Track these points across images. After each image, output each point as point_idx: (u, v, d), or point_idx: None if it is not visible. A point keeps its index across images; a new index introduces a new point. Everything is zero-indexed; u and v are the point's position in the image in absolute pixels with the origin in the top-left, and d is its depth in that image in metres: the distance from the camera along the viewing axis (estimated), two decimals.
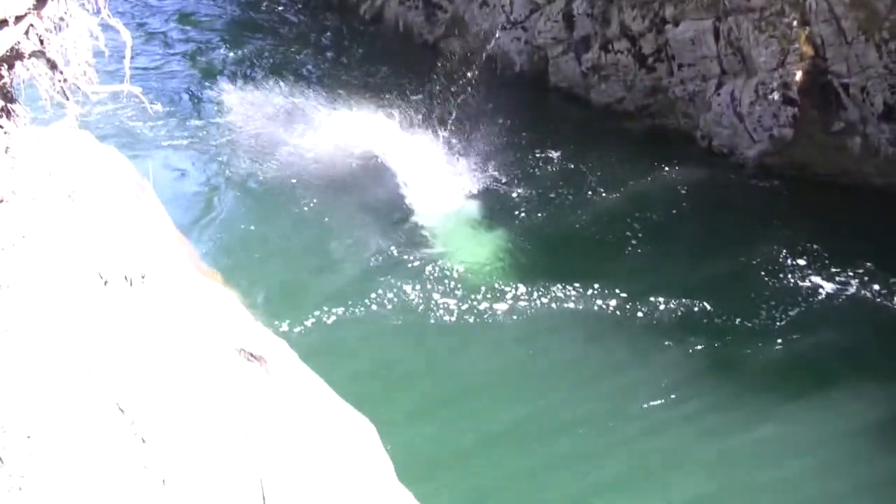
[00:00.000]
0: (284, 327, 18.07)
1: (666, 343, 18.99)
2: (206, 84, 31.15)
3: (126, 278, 9.50)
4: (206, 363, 8.11)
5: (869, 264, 21.41)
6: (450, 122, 27.44)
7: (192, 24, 37.09)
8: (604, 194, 24.31)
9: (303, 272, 21.07)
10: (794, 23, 24.97)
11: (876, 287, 20.70)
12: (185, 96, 30.10)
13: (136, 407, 7.25)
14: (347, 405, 8.93)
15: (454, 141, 26.54)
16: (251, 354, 8.64)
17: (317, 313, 19.44)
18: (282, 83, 30.65)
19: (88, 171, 15.21)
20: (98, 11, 9.19)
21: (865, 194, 23.81)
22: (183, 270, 10.87)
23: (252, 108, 28.81)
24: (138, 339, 7.89)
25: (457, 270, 21.13)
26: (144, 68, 31.63)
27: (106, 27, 8.60)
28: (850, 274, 21.16)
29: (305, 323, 18.92)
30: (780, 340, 19.06)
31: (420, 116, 27.82)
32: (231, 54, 33.95)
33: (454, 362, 18.38)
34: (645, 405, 17.41)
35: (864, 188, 24.01)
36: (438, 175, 24.80)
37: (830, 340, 19.18)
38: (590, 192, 24.38)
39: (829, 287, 20.76)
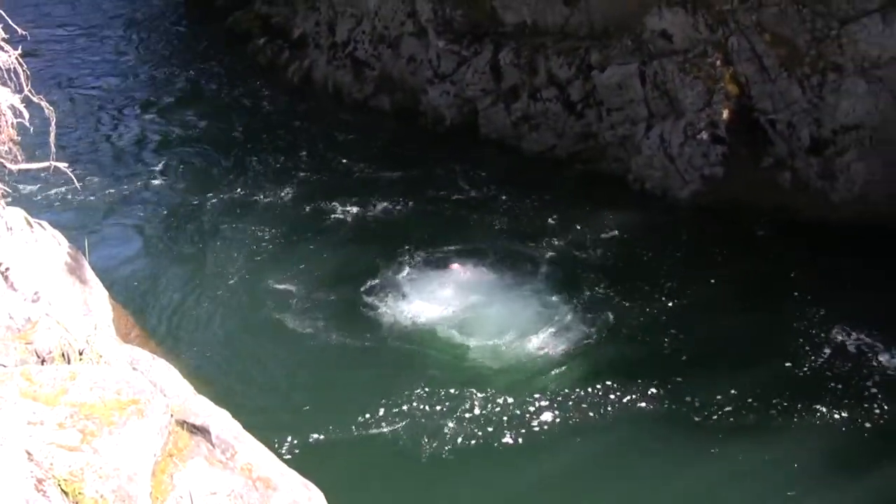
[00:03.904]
0: (229, 396, 17.80)
1: (613, 384, 18.87)
2: (139, 157, 30.96)
3: (64, 355, 9.36)
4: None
5: (807, 296, 21.58)
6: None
7: (128, 94, 37.14)
8: (541, 243, 24.27)
9: (247, 339, 20.84)
10: (718, 63, 25.33)
11: (816, 318, 20.85)
12: (119, 169, 29.81)
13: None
14: (293, 472, 8.81)
15: (388, 206, 26.49)
16: (194, 426, 8.51)
17: (262, 380, 19.27)
18: (209, 150, 30.73)
19: (21, 246, 15.03)
20: (21, 89, 9.12)
21: (798, 228, 24.05)
22: (119, 344, 10.71)
23: (185, 177, 28.77)
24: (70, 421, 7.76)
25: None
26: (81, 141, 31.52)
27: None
28: (790, 307, 21.31)
29: (251, 392, 18.70)
30: (726, 378, 19.05)
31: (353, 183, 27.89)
32: (163, 122, 33.85)
33: (404, 430, 18.14)
34: (608, 453, 17.33)
35: (797, 222, 24.26)
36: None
37: (777, 373, 19.25)
38: (526, 242, 24.34)
39: (769, 322, 20.84)
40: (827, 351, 19.94)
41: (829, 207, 24.40)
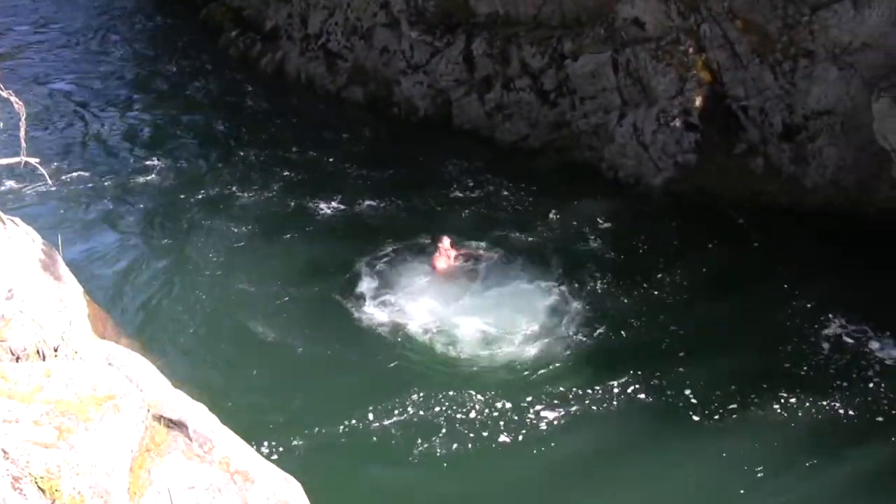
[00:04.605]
0: (206, 392, 17.67)
1: (599, 377, 18.81)
2: (113, 153, 30.73)
3: (39, 352, 9.33)
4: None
5: (784, 283, 21.68)
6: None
7: (98, 85, 37.02)
8: (516, 234, 24.22)
9: (225, 335, 20.69)
10: (690, 50, 25.39)
11: (795, 304, 20.94)
12: (93, 165, 29.57)
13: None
14: (271, 465, 8.82)
15: (364, 200, 26.36)
16: (171, 420, 8.51)
17: (240, 377, 19.11)
18: (183, 146, 30.67)
19: None
20: None
21: (772, 213, 24.21)
22: (95, 340, 10.69)
23: (159, 173, 28.64)
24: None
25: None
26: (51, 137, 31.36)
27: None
28: (768, 292, 21.38)
29: (228, 388, 18.58)
30: (704, 364, 19.12)
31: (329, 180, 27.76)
32: (137, 117, 33.68)
33: (382, 428, 18.03)
34: (598, 450, 17.31)
35: (770, 208, 24.41)
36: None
37: (760, 360, 19.32)
38: (502, 233, 24.25)
39: (748, 309, 20.88)
40: (809, 337, 20.00)
41: (802, 192, 24.55)
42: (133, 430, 8.01)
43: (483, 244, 23.62)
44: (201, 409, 8.92)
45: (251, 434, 9.70)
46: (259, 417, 17.56)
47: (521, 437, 17.27)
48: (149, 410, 8.41)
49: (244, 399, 18.21)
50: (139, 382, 9.16)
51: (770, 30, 24.21)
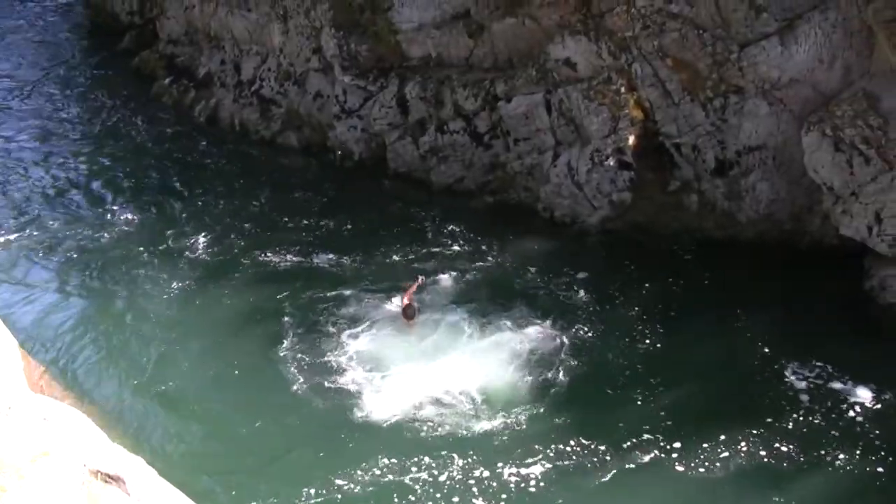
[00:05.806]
0: (144, 446, 17.34)
1: (545, 424, 18.81)
2: (46, 206, 30.19)
3: None
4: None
5: (725, 318, 21.90)
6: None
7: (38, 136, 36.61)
8: (451, 274, 24.21)
9: (165, 391, 20.36)
10: (622, 89, 25.58)
11: (739, 340, 21.16)
12: (26, 219, 29.04)
13: None
14: None
15: (303, 248, 26.16)
16: (108, 475, 8.37)
17: (182, 435, 18.78)
18: (117, 197, 30.38)
19: None
20: None
21: (708, 249, 24.41)
22: (30, 395, 10.53)
23: (94, 224, 28.31)
24: None
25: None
26: None
27: None
28: (711, 328, 21.63)
29: (165, 439, 18.34)
30: (643, 396, 19.33)
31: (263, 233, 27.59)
32: (72, 171, 33.17)
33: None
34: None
35: (707, 243, 24.62)
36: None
37: (690, 392, 19.47)
38: (438, 273, 24.19)
39: (683, 341, 21.09)
40: (746, 369, 20.33)
41: (737, 227, 24.83)
42: (69, 486, 7.87)
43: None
44: (139, 462, 8.80)
45: (198, 497, 9.52)
46: (205, 478, 17.27)
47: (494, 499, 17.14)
48: (85, 465, 8.28)
49: (189, 458, 17.91)
50: (75, 438, 9.02)
51: (700, 67, 24.49)
